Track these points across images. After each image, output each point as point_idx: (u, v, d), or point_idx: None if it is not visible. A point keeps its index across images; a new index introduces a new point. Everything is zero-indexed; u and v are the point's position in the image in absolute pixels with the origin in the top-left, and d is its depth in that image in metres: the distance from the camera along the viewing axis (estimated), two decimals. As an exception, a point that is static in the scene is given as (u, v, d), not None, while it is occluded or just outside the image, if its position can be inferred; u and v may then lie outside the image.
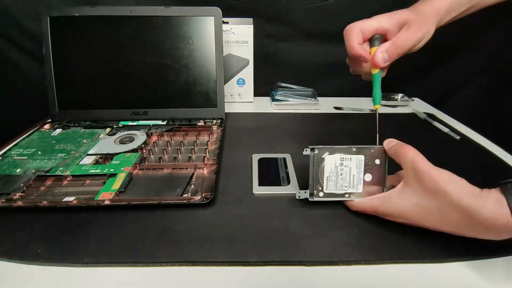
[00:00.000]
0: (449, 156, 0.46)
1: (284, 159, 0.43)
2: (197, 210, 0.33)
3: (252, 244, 0.29)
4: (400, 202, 0.29)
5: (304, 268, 0.27)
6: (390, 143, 0.32)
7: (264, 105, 0.67)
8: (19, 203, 0.33)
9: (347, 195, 0.33)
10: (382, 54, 0.34)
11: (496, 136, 0.51)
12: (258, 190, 0.37)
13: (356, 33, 0.34)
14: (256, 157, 0.43)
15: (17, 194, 0.35)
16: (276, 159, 0.43)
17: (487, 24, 0.65)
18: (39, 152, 0.43)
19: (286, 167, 0.41)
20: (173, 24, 0.52)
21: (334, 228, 0.31)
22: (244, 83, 0.67)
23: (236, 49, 0.64)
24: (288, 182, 0.38)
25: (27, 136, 0.48)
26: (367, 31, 0.35)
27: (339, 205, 0.34)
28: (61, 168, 0.39)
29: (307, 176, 0.35)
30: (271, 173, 0.40)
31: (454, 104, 0.73)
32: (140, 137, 0.47)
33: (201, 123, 0.54)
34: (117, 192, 0.35)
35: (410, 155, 0.29)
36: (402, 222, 0.30)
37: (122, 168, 0.39)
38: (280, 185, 0.37)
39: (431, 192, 0.27)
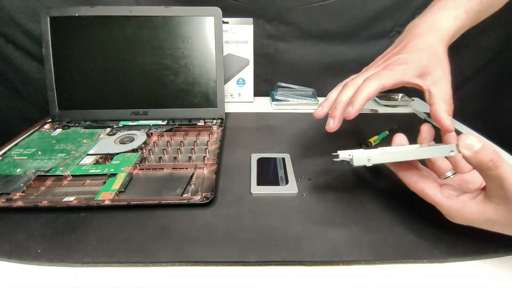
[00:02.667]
0: (449, 156, 0.46)
1: (283, 159, 0.43)
2: (197, 210, 0.33)
3: (252, 244, 0.29)
4: (474, 212, 0.26)
5: (304, 268, 0.27)
6: (472, 146, 0.24)
7: (264, 105, 0.67)
8: (19, 203, 0.33)
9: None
10: (449, 119, 0.31)
11: (496, 136, 0.51)
12: (256, 189, 0.37)
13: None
14: (255, 157, 0.43)
15: (17, 194, 0.35)
16: (275, 158, 0.43)
17: (487, 24, 0.65)
18: (39, 152, 0.43)
19: (285, 166, 0.41)
20: (173, 24, 0.52)
21: (334, 228, 0.31)
22: (244, 83, 0.67)
23: (236, 49, 0.64)
24: (287, 182, 0.38)
25: (27, 136, 0.48)
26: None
27: (338, 204, 0.34)
28: (61, 168, 0.39)
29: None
30: (270, 172, 0.40)
31: (454, 104, 0.73)
32: (140, 137, 0.47)
33: (201, 123, 0.54)
34: (117, 192, 0.35)
35: (501, 172, 0.23)
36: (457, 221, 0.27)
37: (122, 168, 0.39)
38: (278, 184, 0.38)
39: None
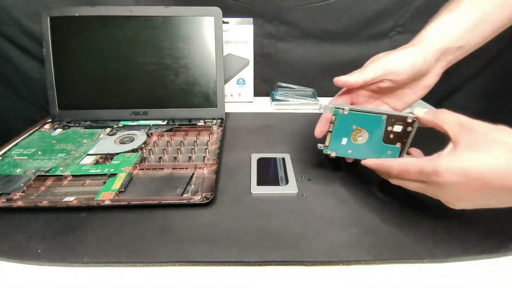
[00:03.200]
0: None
1: (283, 159, 0.43)
2: (197, 210, 0.33)
3: (252, 244, 0.29)
4: (453, 161, 0.24)
5: (304, 268, 0.27)
6: (421, 109, 0.30)
7: (264, 105, 0.67)
8: (19, 203, 0.33)
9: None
10: (352, 76, 0.34)
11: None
12: (256, 189, 0.37)
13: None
14: (255, 157, 0.43)
15: (17, 194, 0.35)
16: (275, 158, 0.43)
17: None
18: (39, 152, 0.43)
19: (285, 166, 0.41)
20: (173, 24, 0.52)
21: (334, 228, 0.31)
22: (244, 83, 0.67)
23: (236, 49, 0.64)
24: (287, 182, 0.38)
25: (27, 136, 0.48)
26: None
27: (338, 204, 0.34)
28: (61, 168, 0.39)
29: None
30: (270, 172, 0.40)
31: (454, 104, 0.73)
32: (140, 137, 0.47)
33: (201, 123, 0.54)
34: (117, 192, 0.35)
35: (451, 114, 0.28)
36: (442, 199, 0.27)
37: (122, 168, 0.39)
38: (278, 184, 0.38)
39: (487, 138, 0.23)
